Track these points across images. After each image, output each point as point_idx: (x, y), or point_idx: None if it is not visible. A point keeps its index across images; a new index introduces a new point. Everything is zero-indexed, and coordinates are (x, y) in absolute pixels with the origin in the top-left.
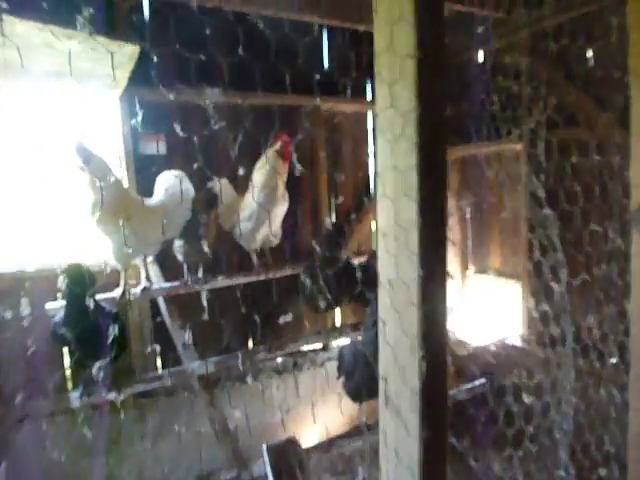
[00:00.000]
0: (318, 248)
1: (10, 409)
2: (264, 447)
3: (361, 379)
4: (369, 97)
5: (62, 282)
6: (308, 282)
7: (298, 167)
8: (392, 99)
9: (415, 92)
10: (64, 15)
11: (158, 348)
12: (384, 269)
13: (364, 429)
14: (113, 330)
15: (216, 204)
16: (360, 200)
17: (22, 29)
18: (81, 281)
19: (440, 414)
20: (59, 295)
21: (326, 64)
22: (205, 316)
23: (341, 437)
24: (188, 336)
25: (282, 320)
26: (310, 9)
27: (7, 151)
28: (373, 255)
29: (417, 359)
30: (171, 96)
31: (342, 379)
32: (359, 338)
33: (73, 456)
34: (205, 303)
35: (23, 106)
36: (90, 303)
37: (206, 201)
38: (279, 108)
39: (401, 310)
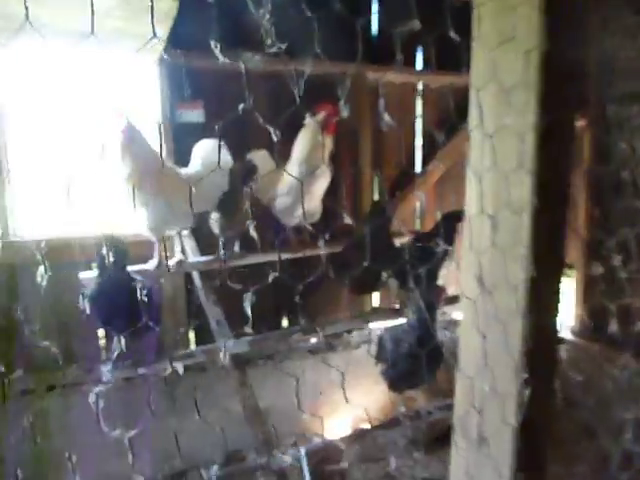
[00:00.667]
0: (360, 226)
1: (42, 376)
2: (302, 450)
3: (403, 368)
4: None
5: (96, 253)
6: (349, 262)
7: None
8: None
9: (537, 25)
10: None
11: (191, 323)
12: (473, 266)
13: (402, 420)
14: (147, 303)
15: (255, 176)
16: (405, 176)
17: None
18: (116, 253)
19: (540, 454)
20: (93, 265)
21: (374, 30)
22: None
23: (377, 427)
24: (222, 313)
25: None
26: None
27: (40, 117)
28: (418, 237)
29: (518, 384)
30: (209, 61)
31: (381, 366)
32: (400, 323)
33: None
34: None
35: (58, 68)
36: (124, 275)
37: (244, 173)
38: (323, 76)
39: (503, 319)
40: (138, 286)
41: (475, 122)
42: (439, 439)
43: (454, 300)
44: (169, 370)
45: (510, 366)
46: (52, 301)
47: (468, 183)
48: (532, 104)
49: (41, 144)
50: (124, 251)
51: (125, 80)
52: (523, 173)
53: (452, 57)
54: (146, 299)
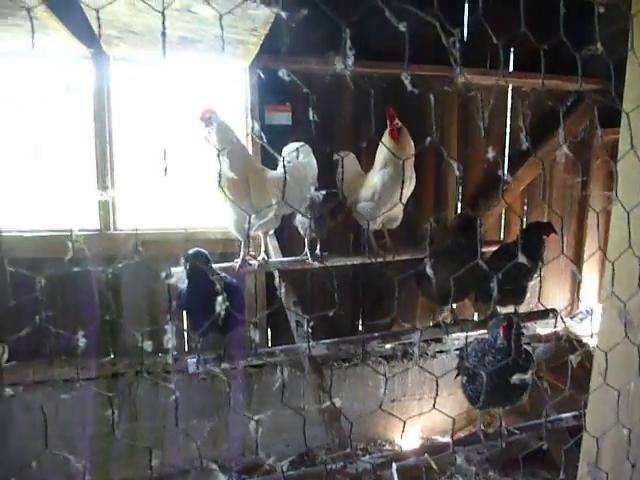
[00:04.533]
0: (444, 235)
1: (132, 361)
2: (394, 467)
3: (488, 386)
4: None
5: (183, 266)
6: (431, 272)
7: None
8: None
9: None
10: None
11: (271, 322)
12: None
13: (482, 438)
14: (231, 301)
15: (342, 206)
16: (492, 183)
17: None
18: (202, 266)
19: None
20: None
21: (465, 31)
22: (318, 294)
23: (455, 442)
24: (301, 313)
25: None
26: None
27: (138, 118)
28: (503, 247)
29: None
30: (299, 65)
31: (461, 379)
32: (484, 337)
33: (184, 416)
34: (320, 281)
35: (154, 74)
36: (210, 278)
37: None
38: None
39: None
40: (224, 284)
41: (625, 147)
42: (516, 461)
43: (541, 315)
44: (249, 366)
45: None
46: (145, 291)
47: (613, 215)
48: None
49: (141, 142)
50: (210, 264)
51: (217, 83)
52: None
53: (547, 59)
54: (231, 298)
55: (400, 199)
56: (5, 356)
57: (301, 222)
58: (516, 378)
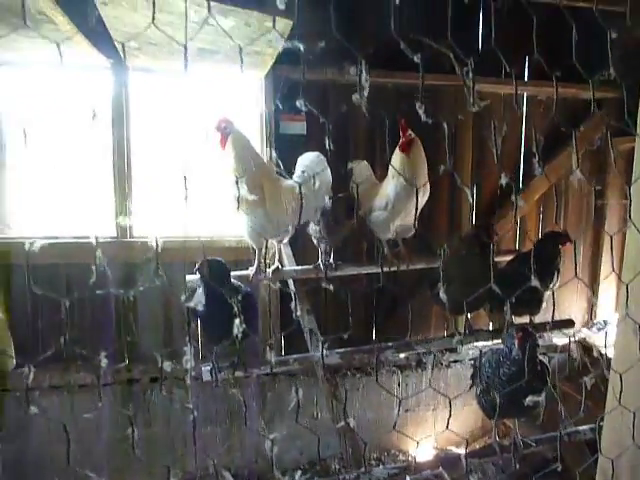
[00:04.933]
0: (459, 245)
1: (148, 368)
2: (407, 479)
3: (502, 397)
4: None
5: (198, 274)
6: (444, 297)
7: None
8: None
9: None
10: None
11: (285, 330)
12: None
13: (497, 449)
14: (245, 310)
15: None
16: (506, 193)
17: (182, 5)
18: (218, 275)
19: None
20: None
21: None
22: (331, 303)
23: (470, 454)
24: (315, 322)
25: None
26: None
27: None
28: (518, 257)
29: None
30: (314, 75)
31: (476, 389)
32: (499, 347)
33: (199, 422)
34: (332, 290)
35: (173, 84)
36: (223, 291)
37: (346, 206)
38: (427, 88)
39: None
40: (238, 293)
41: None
42: (532, 473)
43: (557, 325)
44: (263, 375)
45: None
46: (161, 299)
47: (628, 237)
48: None
49: (158, 150)
50: (227, 272)
51: (233, 92)
52: None
53: (562, 67)
54: (245, 306)
55: (415, 209)
56: (31, 376)
57: (314, 231)
58: (529, 400)
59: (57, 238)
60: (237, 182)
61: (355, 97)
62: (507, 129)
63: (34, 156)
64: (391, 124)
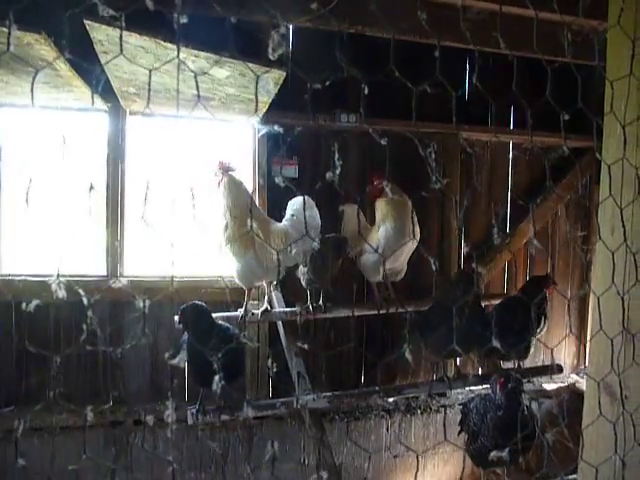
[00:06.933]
0: (446, 290)
1: (130, 410)
2: None
3: (490, 444)
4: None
5: (180, 320)
6: (431, 324)
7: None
8: None
9: None
10: (213, 43)
11: (272, 373)
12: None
13: None
14: (232, 354)
15: (345, 250)
16: (493, 237)
17: (182, 56)
18: (200, 320)
19: None
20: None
21: (466, 90)
22: (320, 345)
23: None
24: (303, 365)
25: None
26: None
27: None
28: (507, 301)
29: None
30: (305, 121)
31: (464, 436)
32: (485, 393)
33: (182, 467)
34: (321, 332)
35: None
36: (210, 329)
37: (335, 246)
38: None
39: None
40: (225, 334)
41: (604, 195)
42: None
43: (545, 370)
44: (248, 418)
45: None
46: (148, 339)
47: (597, 258)
48: None
49: (153, 192)
50: (209, 316)
51: (227, 139)
52: None
53: (545, 117)
54: (232, 350)
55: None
56: (20, 428)
57: (303, 273)
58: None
59: (42, 276)
60: (227, 224)
61: (329, 175)
62: (494, 173)
63: (29, 196)
64: (381, 168)
